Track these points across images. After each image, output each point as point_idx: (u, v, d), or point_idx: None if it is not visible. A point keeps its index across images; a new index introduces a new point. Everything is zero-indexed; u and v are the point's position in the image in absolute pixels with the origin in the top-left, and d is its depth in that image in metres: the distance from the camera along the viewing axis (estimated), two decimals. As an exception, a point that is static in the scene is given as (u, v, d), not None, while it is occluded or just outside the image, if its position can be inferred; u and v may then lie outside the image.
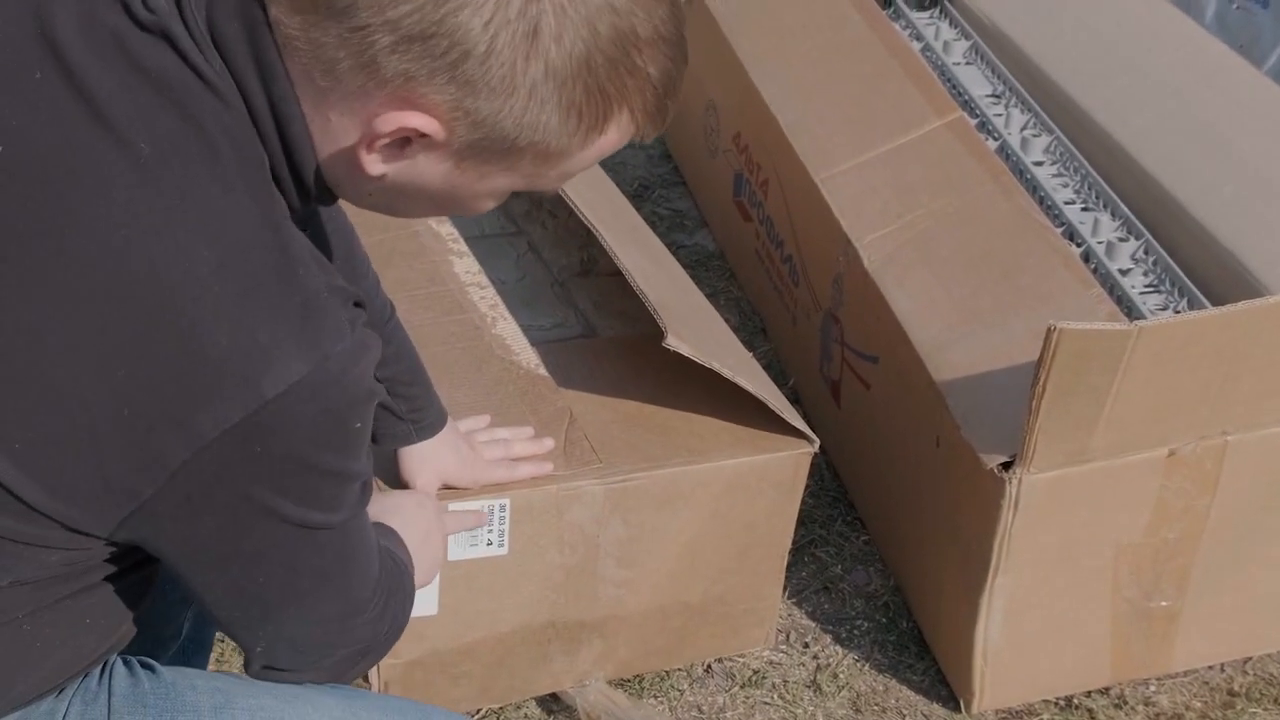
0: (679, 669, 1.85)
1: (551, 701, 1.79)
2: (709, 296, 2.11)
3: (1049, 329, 1.49)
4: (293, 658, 1.13)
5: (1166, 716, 1.84)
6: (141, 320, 0.92)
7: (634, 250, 1.82)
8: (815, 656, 1.89)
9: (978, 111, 2.30)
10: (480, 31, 0.91)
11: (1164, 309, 1.90)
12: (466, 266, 1.92)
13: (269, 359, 0.92)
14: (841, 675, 1.87)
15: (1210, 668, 1.89)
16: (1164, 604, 1.79)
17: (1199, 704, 1.85)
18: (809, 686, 1.86)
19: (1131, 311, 1.88)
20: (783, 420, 1.71)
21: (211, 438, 0.92)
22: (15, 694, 1.08)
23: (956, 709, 1.83)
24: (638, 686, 1.83)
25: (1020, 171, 2.15)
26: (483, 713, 1.77)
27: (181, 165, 0.94)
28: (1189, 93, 2.19)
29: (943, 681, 1.86)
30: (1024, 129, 2.25)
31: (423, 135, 0.96)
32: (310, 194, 1.02)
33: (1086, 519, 1.69)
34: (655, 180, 2.83)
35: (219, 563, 1.02)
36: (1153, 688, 1.87)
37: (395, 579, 1.18)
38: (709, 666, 1.87)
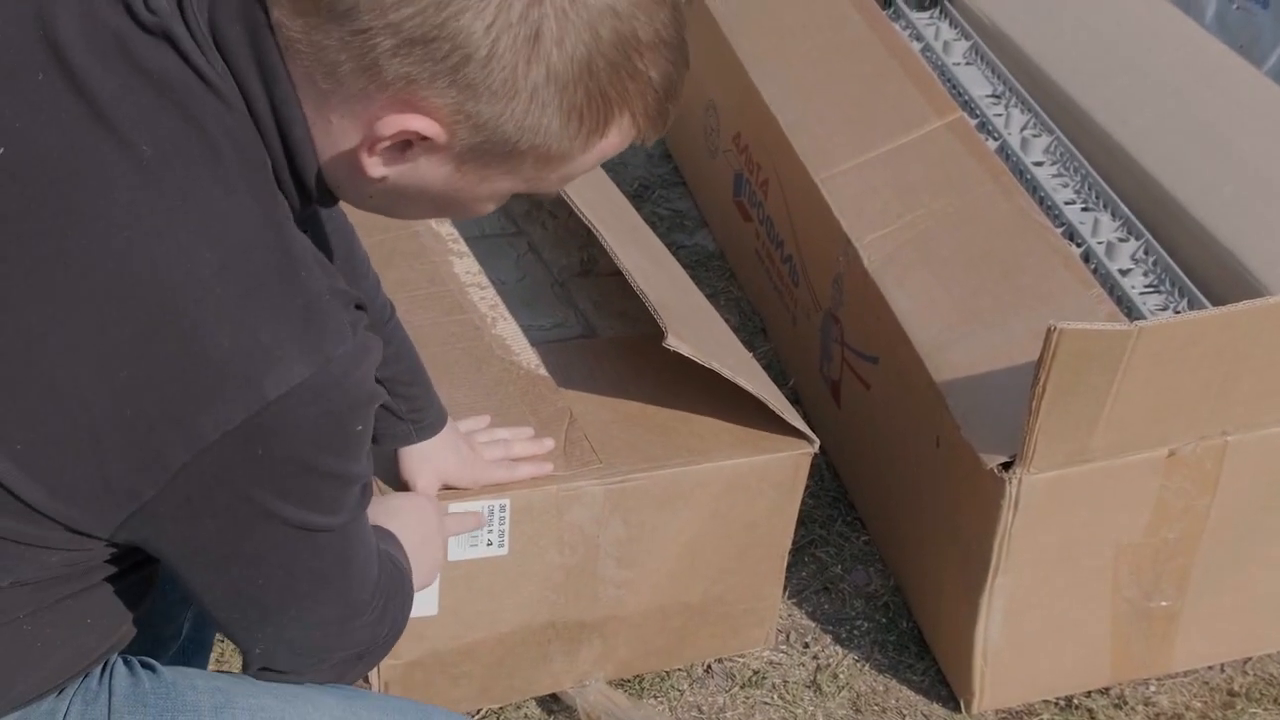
0: (679, 669, 1.85)
1: (551, 702, 1.79)
2: (709, 297, 2.11)
3: (1049, 329, 1.49)
4: (291, 660, 1.13)
5: (1166, 717, 1.84)
6: (143, 321, 0.92)
7: (634, 250, 1.82)
8: (815, 657, 1.89)
9: (978, 112, 2.30)
10: (482, 35, 0.91)
11: (1164, 309, 1.90)
12: (466, 267, 1.92)
13: (271, 360, 0.92)
14: (841, 675, 1.87)
15: (1210, 668, 1.89)
16: (1164, 604, 1.79)
17: (1199, 704, 1.85)
18: (809, 687, 1.86)
19: (1131, 312, 1.89)
20: (783, 420, 1.71)
21: (213, 439, 0.92)
22: (16, 693, 1.08)
23: (956, 709, 1.83)
24: (638, 687, 1.83)
25: (1020, 172, 2.15)
26: (483, 713, 1.77)
27: (184, 167, 0.94)
28: (1189, 93, 2.19)
29: (943, 682, 1.86)
30: (1024, 129, 2.25)
31: (424, 138, 0.96)
32: (311, 196, 1.02)
33: (1086, 519, 1.69)
34: (655, 180, 2.83)
35: (219, 564, 1.02)
36: (1153, 688, 1.87)
37: (394, 582, 1.18)
38: (709, 667, 1.87)
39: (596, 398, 1.75)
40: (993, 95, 2.35)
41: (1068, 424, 1.59)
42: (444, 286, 1.87)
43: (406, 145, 0.97)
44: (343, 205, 1.09)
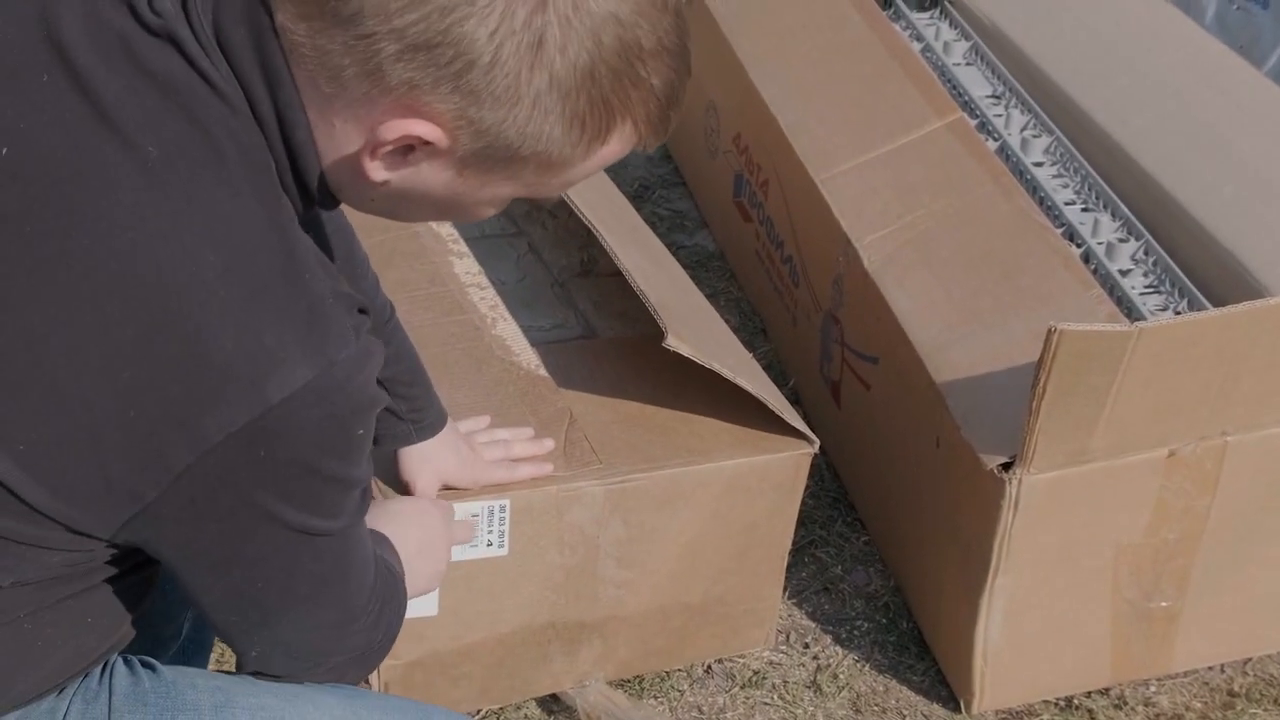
0: (679, 669, 1.85)
1: (551, 702, 1.79)
2: (709, 297, 2.11)
3: (1049, 330, 1.49)
4: (287, 663, 1.13)
5: (1166, 717, 1.84)
6: (146, 323, 0.92)
7: (634, 251, 1.82)
8: (815, 657, 1.89)
9: (978, 112, 2.30)
10: (485, 42, 0.92)
11: (1164, 310, 1.90)
12: (467, 267, 1.92)
13: (274, 363, 0.92)
14: (842, 676, 1.87)
15: (1210, 668, 1.89)
16: (1164, 604, 1.79)
17: (1199, 704, 1.85)
18: (809, 687, 1.86)
19: (1131, 312, 1.89)
20: (783, 421, 1.71)
21: (216, 441, 0.92)
22: (16, 693, 1.08)
23: (956, 709, 1.83)
24: (638, 687, 1.83)
25: (1020, 172, 2.15)
26: (483, 713, 1.77)
27: (188, 169, 0.94)
28: (1189, 93, 2.19)
29: (943, 682, 1.86)
30: (1024, 130, 2.25)
31: (426, 143, 0.96)
32: (314, 198, 1.03)
33: (1086, 519, 1.69)
34: (655, 181, 2.83)
35: (219, 566, 1.02)
36: (1153, 688, 1.87)
37: (389, 587, 1.18)
38: (709, 667, 1.87)
39: (596, 398, 1.75)
40: (993, 96, 2.35)
41: (1068, 424, 1.59)
42: (444, 287, 1.87)
43: (409, 150, 0.98)
44: (343, 206, 1.09)
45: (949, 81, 2.37)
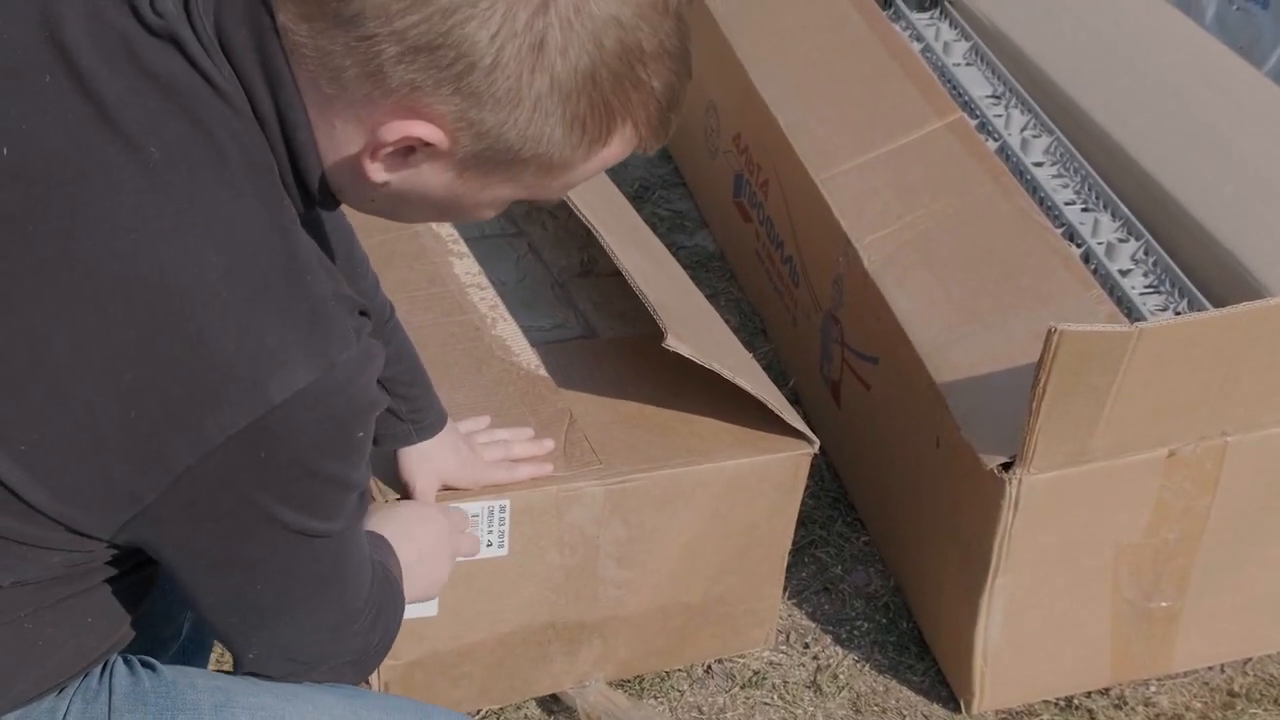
0: (679, 669, 1.85)
1: (552, 702, 1.79)
2: (709, 297, 2.11)
3: (1049, 330, 1.49)
4: (283, 665, 1.13)
5: (1166, 717, 1.84)
6: (149, 324, 0.92)
7: (634, 251, 1.82)
8: (815, 657, 1.89)
9: (978, 112, 2.30)
10: (487, 44, 0.92)
11: (1164, 310, 1.90)
12: (466, 267, 1.92)
13: (276, 364, 0.92)
14: (842, 676, 1.87)
15: (1210, 668, 1.89)
16: (1164, 604, 1.79)
17: (1199, 705, 1.85)
18: (809, 687, 1.86)
19: (1131, 312, 1.89)
20: (783, 421, 1.71)
21: (217, 443, 0.92)
22: (16, 692, 1.08)
23: (957, 709, 1.83)
24: (638, 687, 1.83)
25: (1020, 172, 2.15)
26: (483, 713, 1.77)
27: (190, 170, 0.94)
28: (1189, 93, 2.19)
29: (943, 682, 1.86)
30: (1024, 130, 2.25)
31: (427, 144, 0.96)
32: (315, 199, 1.03)
33: (1086, 519, 1.69)
34: (655, 181, 2.83)
35: (218, 567, 1.02)
36: (1153, 688, 1.87)
37: (386, 592, 1.18)
38: (709, 667, 1.87)
39: (596, 398, 1.75)
40: (993, 96, 2.35)
41: (1068, 424, 1.59)
42: (444, 287, 1.87)
43: (409, 151, 0.98)
44: (343, 206, 1.10)
45: (949, 82, 2.37)
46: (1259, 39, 2.82)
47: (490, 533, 1.61)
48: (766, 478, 1.72)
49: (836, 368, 2.07)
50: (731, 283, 2.55)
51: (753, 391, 1.68)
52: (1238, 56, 2.29)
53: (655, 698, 1.83)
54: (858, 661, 1.89)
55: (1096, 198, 2.09)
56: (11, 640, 1.04)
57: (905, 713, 1.83)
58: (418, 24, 0.91)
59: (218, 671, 1.18)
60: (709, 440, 1.71)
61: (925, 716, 1.83)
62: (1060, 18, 2.43)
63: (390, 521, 1.33)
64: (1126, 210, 2.04)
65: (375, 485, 1.56)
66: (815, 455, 1.74)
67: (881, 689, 1.86)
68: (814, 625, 1.94)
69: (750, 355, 1.89)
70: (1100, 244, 2.00)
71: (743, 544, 1.76)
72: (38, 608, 1.04)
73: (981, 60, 2.43)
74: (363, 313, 1.01)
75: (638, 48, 0.95)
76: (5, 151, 0.94)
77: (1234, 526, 1.75)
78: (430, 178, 1.00)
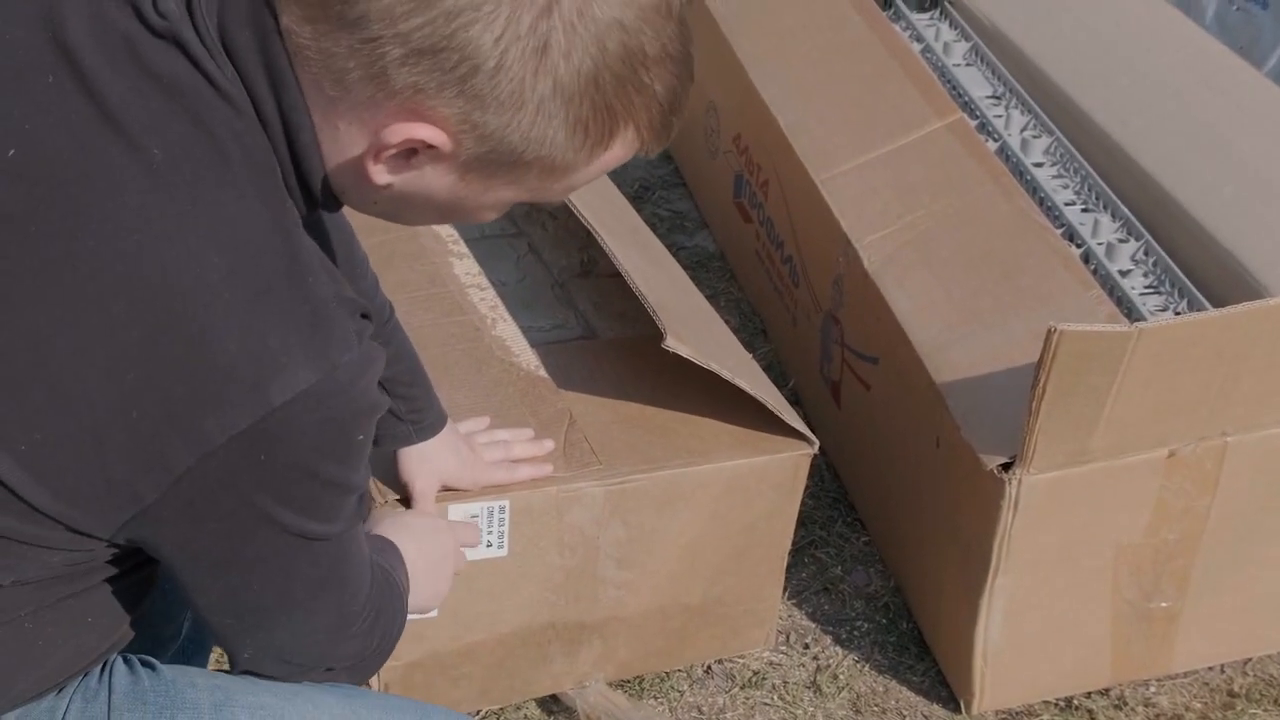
0: (679, 670, 1.85)
1: (551, 703, 1.79)
2: (709, 298, 2.11)
3: (1049, 330, 1.49)
4: (278, 667, 1.14)
5: (1166, 717, 1.84)
6: (151, 324, 0.92)
7: (634, 252, 1.82)
8: (815, 657, 1.89)
9: (978, 113, 2.30)
10: (491, 47, 0.92)
11: (1164, 310, 1.90)
12: (466, 268, 1.92)
13: (278, 366, 0.93)
14: (841, 676, 1.87)
15: (1210, 668, 1.89)
16: (1164, 605, 1.79)
17: (1199, 705, 1.85)
18: (809, 687, 1.86)
19: (1131, 313, 1.89)
20: (782, 421, 1.71)
21: (218, 443, 0.92)
22: (16, 692, 1.08)
23: (957, 710, 1.83)
24: (638, 687, 1.83)
25: (1020, 173, 2.15)
26: (483, 714, 1.77)
27: (193, 171, 0.94)
28: (1189, 94, 2.19)
29: (943, 682, 1.86)
30: (1024, 130, 2.25)
31: (430, 147, 0.96)
32: (317, 201, 1.03)
33: (1086, 520, 1.69)
34: (655, 181, 2.83)
35: (216, 568, 1.02)
36: (1153, 689, 1.87)
37: (386, 597, 1.18)
38: (709, 667, 1.87)
39: (596, 399, 1.75)
40: (993, 96, 2.35)
41: (1068, 424, 1.59)
42: (444, 288, 1.87)
43: (412, 153, 0.98)
44: (344, 207, 1.10)
45: (949, 82, 2.38)
46: (1259, 39, 2.82)
47: (490, 533, 1.61)
48: (766, 478, 1.72)
49: (836, 368, 2.07)
50: (731, 283, 2.55)
51: (752, 392, 1.68)
52: (1238, 56, 2.29)
53: (655, 698, 1.83)
54: (858, 662, 1.89)
55: (1096, 198, 2.09)
56: (12, 640, 1.04)
57: (905, 713, 1.83)
58: (422, 27, 0.91)
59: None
60: (709, 441, 1.71)
61: (925, 717, 1.83)
62: (1060, 18, 2.43)
63: (402, 531, 1.33)
64: (1126, 210, 2.04)
65: (375, 486, 1.56)
66: (815, 456, 1.74)
67: (881, 689, 1.86)
68: (814, 626, 1.94)
69: (750, 356, 1.89)
70: (1100, 244, 2.01)
71: (742, 544, 1.76)
72: (38, 607, 1.04)
73: (981, 61, 2.43)
74: (364, 315, 1.01)
75: (640, 51, 0.95)
76: (10, 152, 0.94)
77: (1234, 527, 1.75)
78: (433, 180, 1.00)
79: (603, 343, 1.90)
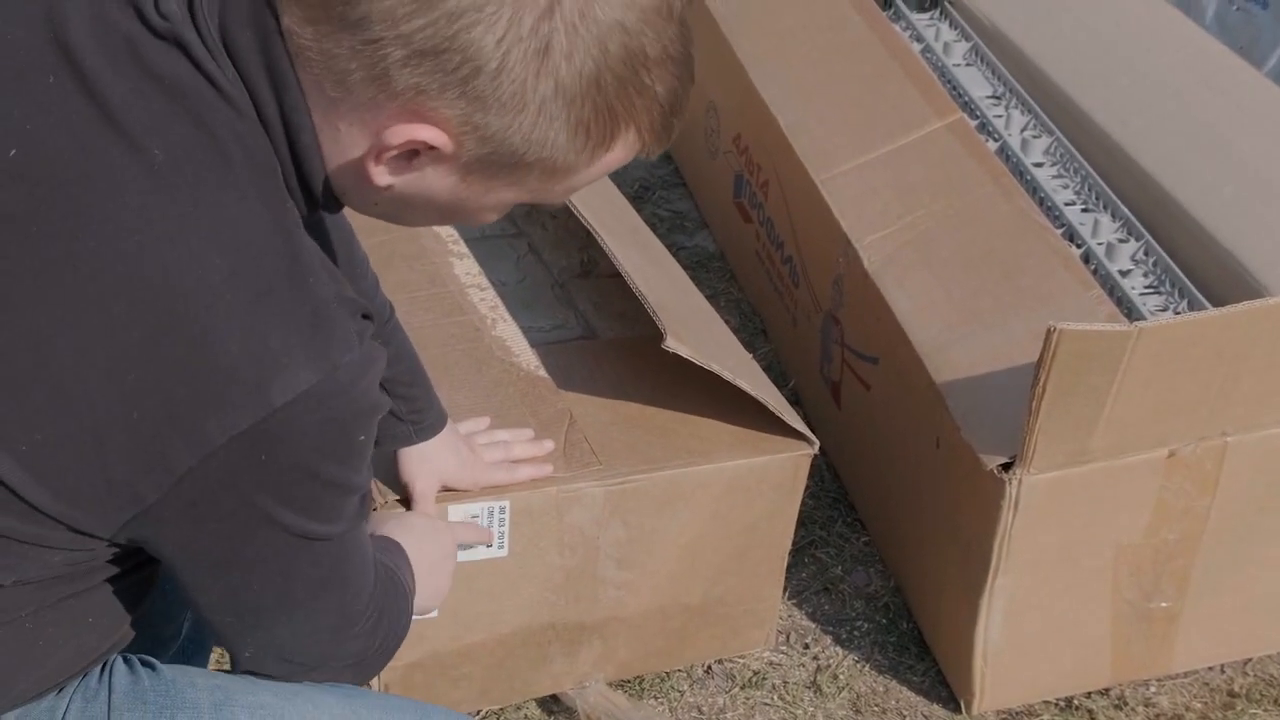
0: (679, 670, 1.85)
1: (552, 703, 1.79)
2: (709, 298, 2.11)
3: (1049, 329, 1.49)
4: (280, 666, 1.14)
5: (1167, 717, 1.84)
6: (152, 325, 0.92)
7: (634, 252, 1.82)
8: (815, 657, 1.89)
9: (978, 113, 2.30)
10: (493, 48, 0.92)
11: (1164, 310, 1.90)
12: (466, 268, 1.92)
13: (279, 366, 0.93)
14: (842, 676, 1.87)
15: (1210, 669, 1.89)
16: (1164, 605, 1.79)
17: (1199, 705, 1.85)
18: (809, 687, 1.86)
19: (1131, 313, 1.89)
20: (782, 422, 1.71)
21: (219, 444, 0.92)
22: (17, 692, 1.08)
23: (957, 710, 1.83)
24: (638, 688, 1.83)
25: (1020, 173, 2.15)
26: (483, 714, 1.77)
27: (194, 172, 0.94)
28: (1189, 94, 2.19)
29: (943, 682, 1.86)
30: (1024, 130, 2.25)
31: (431, 148, 0.96)
32: (318, 202, 1.03)
33: (1086, 520, 1.69)
34: (655, 181, 2.83)
35: (217, 568, 1.02)
36: (1153, 689, 1.87)
37: (390, 597, 1.18)
38: (709, 668, 1.87)
39: (596, 399, 1.75)
40: (993, 96, 2.35)
41: (1068, 424, 1.59)
42: (444, 288, 1.87)
43: (413, 154, 0.98)
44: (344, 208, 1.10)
45: (949, 82, 2.38)
46: (1259, 39, 2.82)
47: (490, 533, 1.61)
48: (766, 478, 1.72)
49: (836, 368, 2.07)
50: (731, 283, 2.55)
51: (752, 392, 1.68)
52: (1238, 56, 2.30)
53: (655, 698, 1.83)
54: (858, 662, 1.89)
55: (1096, 198, 2.09)
56: (12, 640, 1.04)
57: (905, 713, 1.83)
58: (424, 28, 0.91)
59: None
60: (709, 441, 1.71)
61: (925, 717, 1.83)
62: (1060, 18, 2.43)
63: (406, 532, 1.34)
64: (1126, 211, 2.04)
65: (375, 486, 1.56)
66: (815, 456, 1.74)
67: (881, 689, 1.86)
68: (814, 626, 1.94)
69: (750, 356, 1.89)
70: (1100, 244, 2.01)
71: (742, 545, 1.76)
72: (39, 607, 1.04)
73: (981, 61, 2.43)
74: (365, 315, 1.01)
75: (642, 53, 0.95)
76: (11, 153, 0.94)
77: (1234, 527, 1.75)
78: (434, 181, 1.00)
79: (603, 343, 1.90)
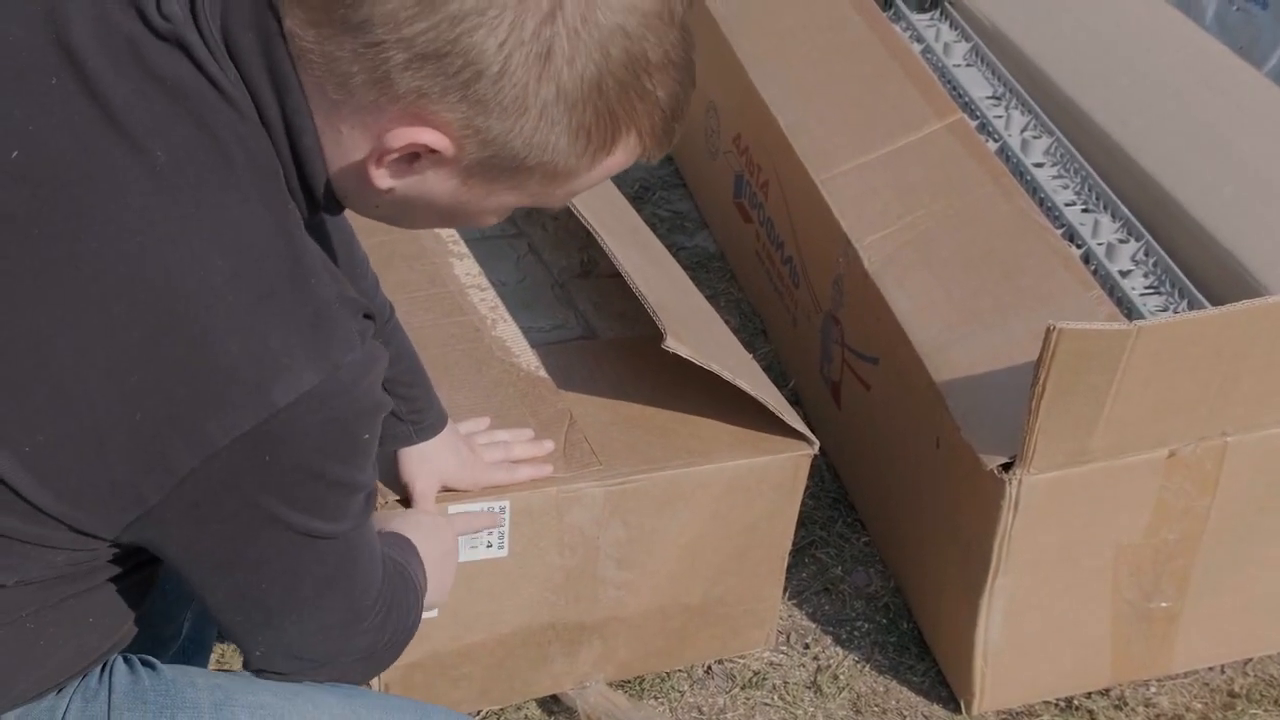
0: (679, 670, 1.85)
1: (552, 703, 1.79)
2: (709, 298, 2.11)
3: (1048, 329, 1.49)
4: (291, 662, 1.14)
5: (1167, 717, 1.84)
6: (153, 326, 0.92)
7: (634, 252, 1.82)
8: (816, 658, 1.89)
9: (978, 113, 2.30)
10: (494, 52, 0.92)
11: (1164, 310, 1.90)
12: (467, 268, 1.92)
13: (280, 368, 0.93)
14: (842, 676, 1.87)
15: (1210, 669, 1.89)
16: (1164, 605, 1.79)
17: (1199, 705, 1.85)
18: (809, 688, 1.86)
19: (1131, 313, 1.89)
20: (782, 422, 1.71)
21: (221, 445, 0.92)
22: (17, 692, 1.08)
23: (957, 710, 1.83)
24: (638, 688, 1.83)
25: (1020, 173, 2.15)
26: (483, 714, 1.77)
27: (196, 174, 0.94)
28: (1189, 94, 2.19)
29: (943, 682, 1.86)
30: (1024, 130, 2.25)
31: (432, 151, 0.96)
32: (319, 204, 1.03)
33: (1086, 520, 1.69)
34: (656, 182, 2.83)
35: (222, 568, 1.02)
36: (1153, 689, 1.87)
37: (398, 590, 1.18)
38: (709, 668, 1.87)
39: (596, 399, 1.75)
40: (993, 97, 2.35)
41: (1067, 424, 1.59)
42: (444, 288, 1.87)
43: (414, 158, 0.98)
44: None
45: (949, 82, 2.38)
46: (1259, 39, 2.82)
47: (490, 534, 1.61)
48: (766, 479, 1.72)
49: (837, 368, 2.07)
50: (732, 283, 2.55)
51: (752, 392, 1.68)
52: (1238, 57, 2.30)
53: (655, 698, 1.83)
54: (858, 662, 1.89)
55: (1096, 198, 2.09)
56: (13, 639, 1.04)
57: (905, 713, 1.83)
58: (426, 31, 0.91)
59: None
60: (709, 441, 1.71)
61: (925, 717, 1.83)
62: (1060, 18, 2.43)
63: (416, 528, 1.34)
64: (1126, 211, 2.04)
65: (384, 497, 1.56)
66: (815, 456, 1.74)
67: (882, 689, 1.86)
68: (814, 626, 1.94)
69: (750, 356, 1.89)
70: (1100, 245, 2.01)
71: (743, 545, 1.76)
72: (40, 607, 1.04)
73: (982, 61, 2.43)
74: (367, 315, 1.01)
75: (643, 57, 0.95)
76: (14, 154, 0.94)
77: (1234, 527, 1.75)
78: (435, 184, 1.00)
79: (603, 343, 1.90)
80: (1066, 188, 2.14)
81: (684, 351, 1.62)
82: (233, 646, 1.78)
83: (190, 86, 0.95)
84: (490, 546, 1.62)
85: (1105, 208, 2.08)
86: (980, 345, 1.78)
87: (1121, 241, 2.01)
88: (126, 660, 1.15)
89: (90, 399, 0.92)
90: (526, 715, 1.79)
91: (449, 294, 1.86)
